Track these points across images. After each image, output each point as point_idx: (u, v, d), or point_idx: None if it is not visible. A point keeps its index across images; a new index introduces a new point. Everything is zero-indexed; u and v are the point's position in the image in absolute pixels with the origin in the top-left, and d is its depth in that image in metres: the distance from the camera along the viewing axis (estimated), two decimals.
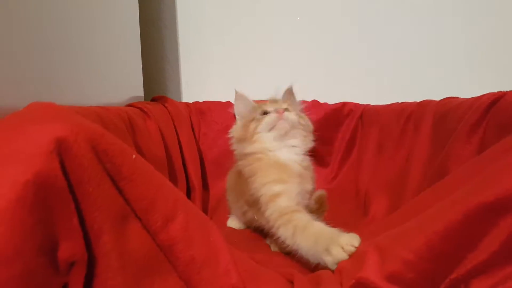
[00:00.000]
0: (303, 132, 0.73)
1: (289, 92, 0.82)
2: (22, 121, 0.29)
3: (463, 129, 0.57)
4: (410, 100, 0.87)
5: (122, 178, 0.32)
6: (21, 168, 0.26)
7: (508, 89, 0.54)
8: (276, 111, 0.70)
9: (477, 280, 0.32)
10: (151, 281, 0.34)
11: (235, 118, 0.81)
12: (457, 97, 0.70)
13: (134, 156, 0.33)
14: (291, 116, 0.71)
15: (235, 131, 0.76)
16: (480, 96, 0.58)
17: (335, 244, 0.45)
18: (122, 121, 0.58)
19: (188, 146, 0.90)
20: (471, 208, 0.31)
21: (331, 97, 1.11)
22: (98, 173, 0.30)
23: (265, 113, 0.72)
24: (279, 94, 0.82)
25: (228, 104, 1.08)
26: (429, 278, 0.35)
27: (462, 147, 0.56)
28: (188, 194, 0.87)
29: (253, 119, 0.71)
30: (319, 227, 0.51)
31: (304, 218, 0.54)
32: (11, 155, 0.27)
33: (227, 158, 1.03)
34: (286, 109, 0.72)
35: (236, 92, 0.78)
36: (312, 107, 1.09)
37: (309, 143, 0.73)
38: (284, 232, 0.54)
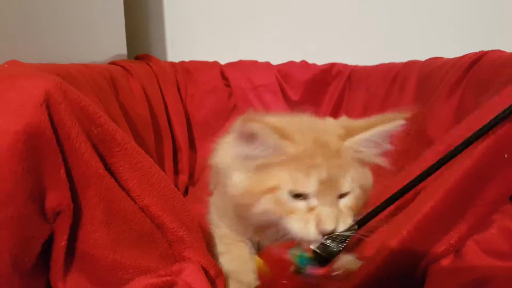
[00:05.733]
0: None
1: None
2: (9, 74, 0.30)
3: (443, 88, 0.58)
4: (398, 61, 0.87)
5: (116, 144, 0.33)
6: (11, 119, 0.27)
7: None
8: (321, 230, 0.40)
9: None
10: (136, 241, 0.35)
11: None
12: (442, 57, 0.70)
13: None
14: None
15: (243, 183, 0.43)
16: (463, 56, 0.59)
17: None
18: (105, 79, 0.57)
19: (174, 107, 0.89)
20: None
21: (321, 58, 1.10)
22: (85, 131, 0.30)
23: (297, 195, 0.41)
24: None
25: (216, 64, 1.06)
26: None
27: (441, 106, 0.58)
28: (175, 155, 0.87)
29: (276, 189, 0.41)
30: None
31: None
32: (2, 106, 0.27)
33: (215, 119, 1.03)
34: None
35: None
36: (300, 67, 1.08)
37: None
38: None
